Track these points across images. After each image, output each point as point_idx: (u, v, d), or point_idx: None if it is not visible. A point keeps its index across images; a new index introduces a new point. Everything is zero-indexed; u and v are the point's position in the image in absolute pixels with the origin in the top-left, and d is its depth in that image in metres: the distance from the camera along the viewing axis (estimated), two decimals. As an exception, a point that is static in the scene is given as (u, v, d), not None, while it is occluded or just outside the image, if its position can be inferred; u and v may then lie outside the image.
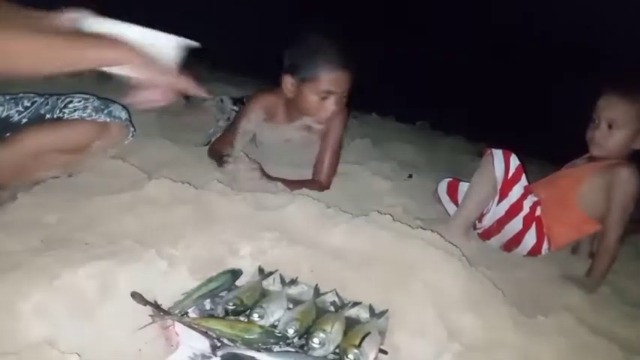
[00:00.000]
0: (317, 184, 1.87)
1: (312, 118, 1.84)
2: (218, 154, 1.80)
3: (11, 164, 1.36)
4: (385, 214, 1.59)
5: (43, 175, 1.42)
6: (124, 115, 1.60)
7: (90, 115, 1.50)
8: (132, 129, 1.62)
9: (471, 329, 1.16)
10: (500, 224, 1.83)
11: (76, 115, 1.48)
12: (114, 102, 1.62)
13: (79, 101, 1.52)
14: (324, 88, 1.74)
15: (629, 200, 1.65)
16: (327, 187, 1.90)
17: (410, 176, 2.36)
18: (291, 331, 0.94)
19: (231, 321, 0.95)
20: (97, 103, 1.55)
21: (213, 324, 0.93)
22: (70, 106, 1.51)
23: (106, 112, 1.54)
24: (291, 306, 1.06)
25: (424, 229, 1.50)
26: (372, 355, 0.92)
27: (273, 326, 0.97)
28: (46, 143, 1.41)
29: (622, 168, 1.67)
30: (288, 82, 1.80)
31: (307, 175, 1.93)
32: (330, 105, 1.78)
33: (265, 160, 1.85)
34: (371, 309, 1.11)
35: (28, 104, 1.54)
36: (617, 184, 1.65)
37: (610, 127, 1.72)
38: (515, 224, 1.80)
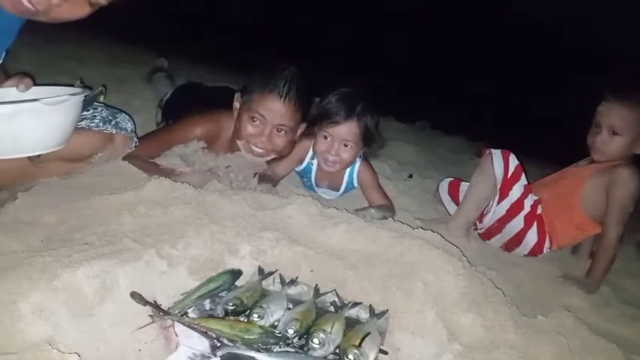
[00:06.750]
0: None
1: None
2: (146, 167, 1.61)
3: (14, 168, 1.35)
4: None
5: (42, 181, 1.42)
6: (129, 126, 1.59)
7: (97, 126, 1.50)
8: (135, 140, 1.61)
9: (470, 329, 1.15)
10: (501, 223, 1.83)
11: (83, 124, 1.46)
12: (121, 111, 1.61)
13: (88, 110, 1.50)
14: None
15: (628, 200, 1.66)
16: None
17: (410, 176, 2.36)
18: (291, 331, 0.94)
19: (231, 321, 0.95)
20: (105, 113, 1.54)
21: (213, 324, 0.93)
22: None
23: (113, 122, 1.53)
24: (291, 306, 1.06)
25: (424, 229, 1.50)
26: (372, 355, 0.92)
27: (273, 326, 0.97)
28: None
29: (622, 168, 1.68)
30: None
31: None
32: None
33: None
34: (371, 309, 1.11)
35: None
36: (617, 184, 1.66)
37: (612, 133, 1.73)
38: (517, 223, 1.80)
